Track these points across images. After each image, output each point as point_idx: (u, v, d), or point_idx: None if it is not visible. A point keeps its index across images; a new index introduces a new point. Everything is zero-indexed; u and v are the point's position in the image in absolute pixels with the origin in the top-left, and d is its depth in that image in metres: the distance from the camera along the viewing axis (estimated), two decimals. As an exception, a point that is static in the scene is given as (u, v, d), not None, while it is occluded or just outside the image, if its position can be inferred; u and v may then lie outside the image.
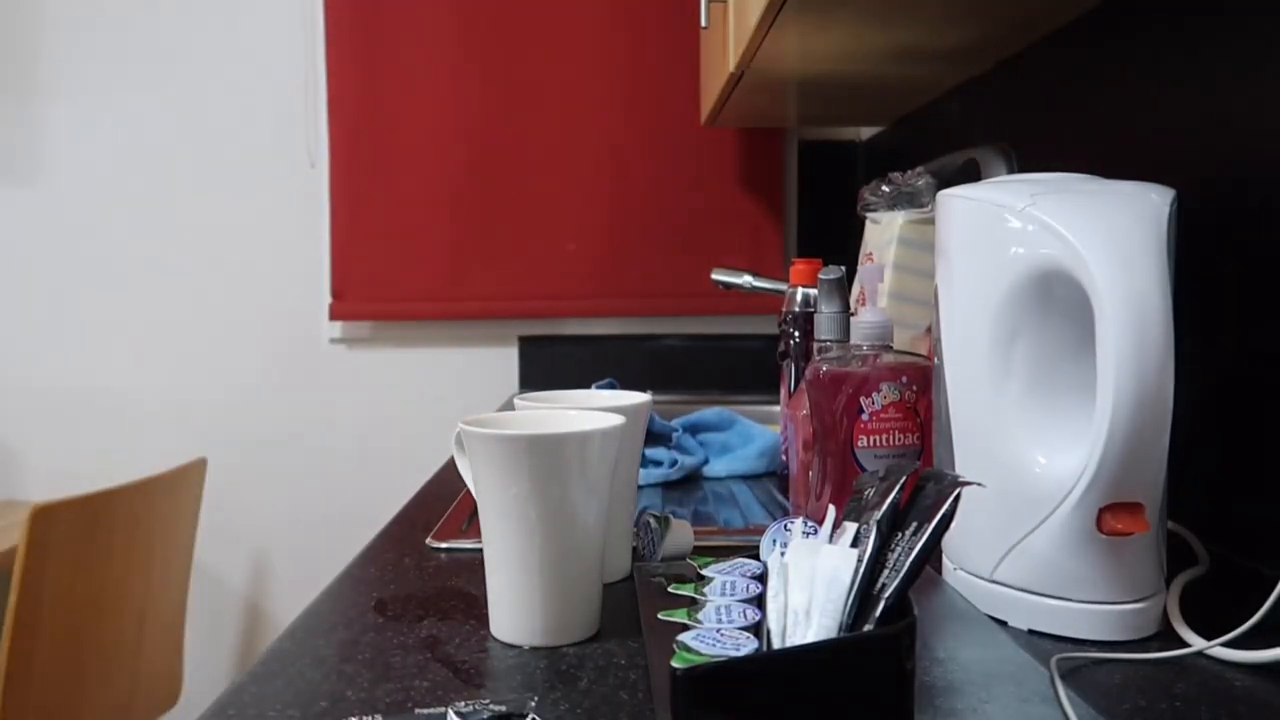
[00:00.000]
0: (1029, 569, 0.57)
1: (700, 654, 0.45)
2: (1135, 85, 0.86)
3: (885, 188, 0.96)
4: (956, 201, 0.62)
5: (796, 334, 1.00)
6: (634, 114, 1.86)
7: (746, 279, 1.41)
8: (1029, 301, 0.57)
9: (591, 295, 1.88)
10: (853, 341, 0.75)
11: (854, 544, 0.44)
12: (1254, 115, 0.70)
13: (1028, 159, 1.04)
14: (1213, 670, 0.52)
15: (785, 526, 0.53)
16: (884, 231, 0.95)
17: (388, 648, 0.56)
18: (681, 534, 0.69)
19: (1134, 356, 0.51)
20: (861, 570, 0.42)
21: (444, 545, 0.77)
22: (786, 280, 1.14)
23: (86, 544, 1.41)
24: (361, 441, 1.95)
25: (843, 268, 0.85)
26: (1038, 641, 0.56)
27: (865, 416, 0.72)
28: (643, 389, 0.79)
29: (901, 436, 0.72)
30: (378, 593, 0.66)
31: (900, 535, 0.43)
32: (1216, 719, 0.46)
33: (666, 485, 1.06)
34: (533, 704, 0.47)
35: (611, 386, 0.96)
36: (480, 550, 0.59)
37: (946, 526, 0.42)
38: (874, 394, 0.72)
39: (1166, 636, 0.56)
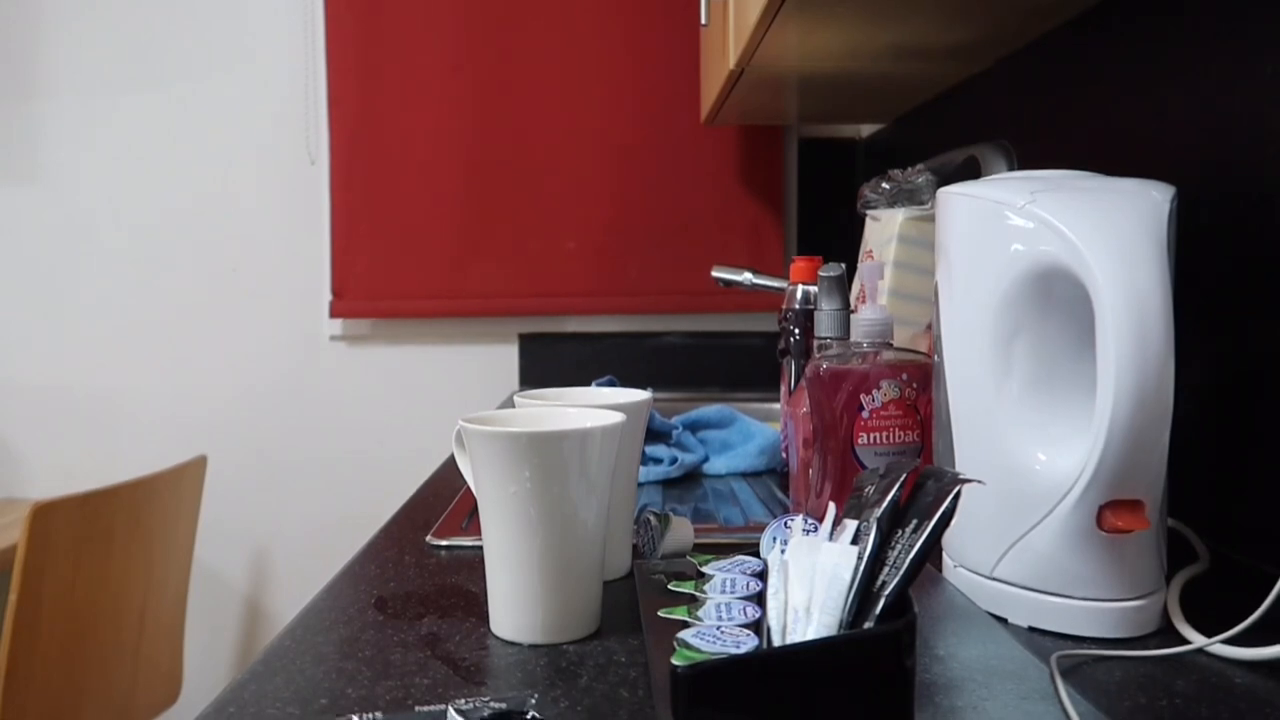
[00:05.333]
0: (1029, 566, 0.57)
1: (700, 651, 0.45)
2: (1135, 82, 0.86)
3: (885, 185, 0.96)
4: (957, 199, 0.62)
5: (797, 331, 1.00)
6: (634, 112, 1.86)
7: (747, 276, 1.41)
8: (1029, 299, 0.57)
9: (592, 293, 1.88)
10: (853, 339, 0.75)
11: (854, 541, 0.44)
12: (1254, 114, 0.70)
13: (1028, 156, 1.04)
14: (1213, 667, 0.52)
15: (785, 524, 0.53)
16: (884, 229, 0.95)
17: (388, 645, 0.56)
18: (682, 531, 0.69)
19: (1134, 353, 0.51)
20: (862, 568, 0.42)
21: (444, 543, 0.77)
22: (787, 277, 1.14)
23: (86, 542, 1.41)
24: (362, 439, 1.95)
25: (843, 265, 0.85)
26: (1038, 639, 0.56)
27: (865, 414, 0.72)
28: (643, 386, 0.79)
29: (902, 434, 0.72)
30: (378, 590, 0.66)
31: (900, 533, 0.43)
32: (1217, 716, 0.46)
33: (667, 483, 1.06)
34: (533, 701, 0.47)
35: (612, 384, 0.96)
36: (480, 548, 0.59)
37: (947, 524, 0.42)
38: (874, 391, 0.72)
39: (1167, 634, 0.56)
